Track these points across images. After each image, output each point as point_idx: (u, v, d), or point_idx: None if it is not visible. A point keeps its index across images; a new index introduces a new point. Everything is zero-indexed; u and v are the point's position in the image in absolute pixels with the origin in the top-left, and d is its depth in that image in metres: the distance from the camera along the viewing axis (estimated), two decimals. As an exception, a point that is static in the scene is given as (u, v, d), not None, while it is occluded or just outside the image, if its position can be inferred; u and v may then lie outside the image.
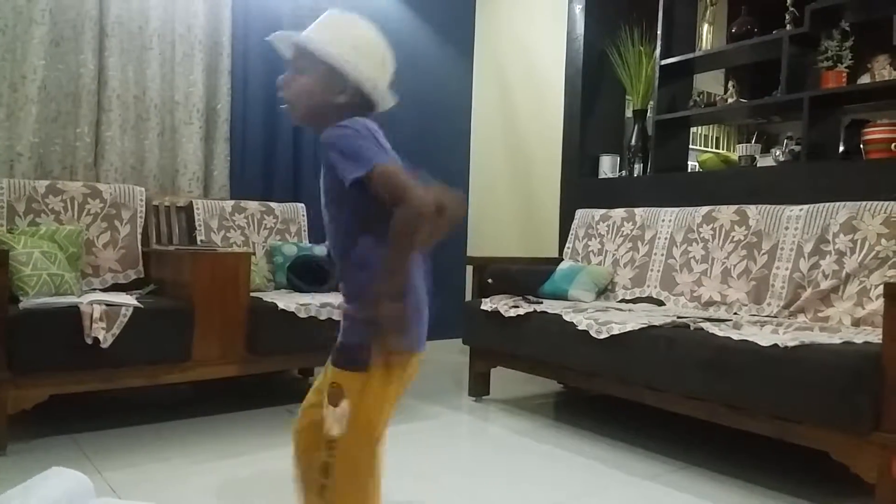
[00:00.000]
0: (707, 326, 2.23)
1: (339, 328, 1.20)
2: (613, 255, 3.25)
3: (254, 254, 2.91)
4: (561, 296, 3.05)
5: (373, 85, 1.20)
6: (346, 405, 1.12)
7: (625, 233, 3.24)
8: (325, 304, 2.72)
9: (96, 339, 2.24)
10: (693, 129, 4.46)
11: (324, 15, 1.21)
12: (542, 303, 2.85)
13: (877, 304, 2.22)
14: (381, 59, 1.22)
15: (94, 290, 2.76)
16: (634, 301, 3.03)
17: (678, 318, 2.39)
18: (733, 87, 3.46)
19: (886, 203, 2.37)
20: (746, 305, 2.65)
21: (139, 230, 3.00)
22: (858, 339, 1.97)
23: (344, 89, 1.18)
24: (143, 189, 3.08)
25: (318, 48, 1.17)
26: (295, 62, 1.21)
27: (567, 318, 2.55)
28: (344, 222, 1.19)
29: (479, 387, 3.13)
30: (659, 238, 3.08)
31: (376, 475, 1.20)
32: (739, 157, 3.31)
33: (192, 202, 3.19)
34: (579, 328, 2.46)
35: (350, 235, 1.18)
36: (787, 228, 2.64)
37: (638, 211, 3.23)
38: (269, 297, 2.75)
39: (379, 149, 1.12)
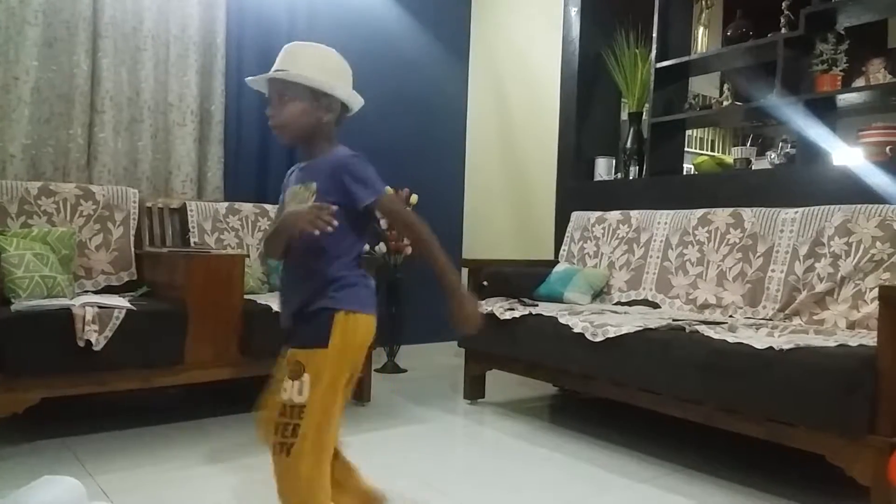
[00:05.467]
0: (702, 329, 2.22)
1: (300, 319, 1.38)
2: (609, 257, 3.25)
3: (248, 256, 2.89)
4: (556, 298, 3.05)
5: (350, 97, 1.47)
6: (306, 377, 1.31)
7: (620, 235, 3.24)
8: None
9: (88, 342, 2.23)
10: (688, 132, 4.46)
11: (290, 48, 1.44)
12: (537, 305, 2.84)
13: (871, 307, 2.23)
14: (348, 73, 1.48)
15: (87, 292, 2.74)
16: (630, 304, 3.03)
17: (674, 320, 2.39)
18: (728, 90, 3.47)
19: (881, 206, 2.38)
20: (742, 308, 2.65)
21: (132, 232, 2.98)
22: (853, 342, 1.97)
23: (331, 108, 1.44)
24: (136, 191, 3.06)
25: (306, 79, 1.39)
26: (281, 93, 1.41)
27: (562, 320, 2.55)
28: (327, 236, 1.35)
29: (474, 390, 3.13)
30: (654, 241, 3.08)
31: (334, 434, 1.39)
32: (735, 159, 3.32)
33: (185, 204, 3.18)
34: (575, 331, 2.46)
35: (330, 244, 1.36)
36: (782, 231, 2.64)
37: (633, 213, 3.23)
38: (263, 299, 2.73)
39: (378, 177, 1.39)
